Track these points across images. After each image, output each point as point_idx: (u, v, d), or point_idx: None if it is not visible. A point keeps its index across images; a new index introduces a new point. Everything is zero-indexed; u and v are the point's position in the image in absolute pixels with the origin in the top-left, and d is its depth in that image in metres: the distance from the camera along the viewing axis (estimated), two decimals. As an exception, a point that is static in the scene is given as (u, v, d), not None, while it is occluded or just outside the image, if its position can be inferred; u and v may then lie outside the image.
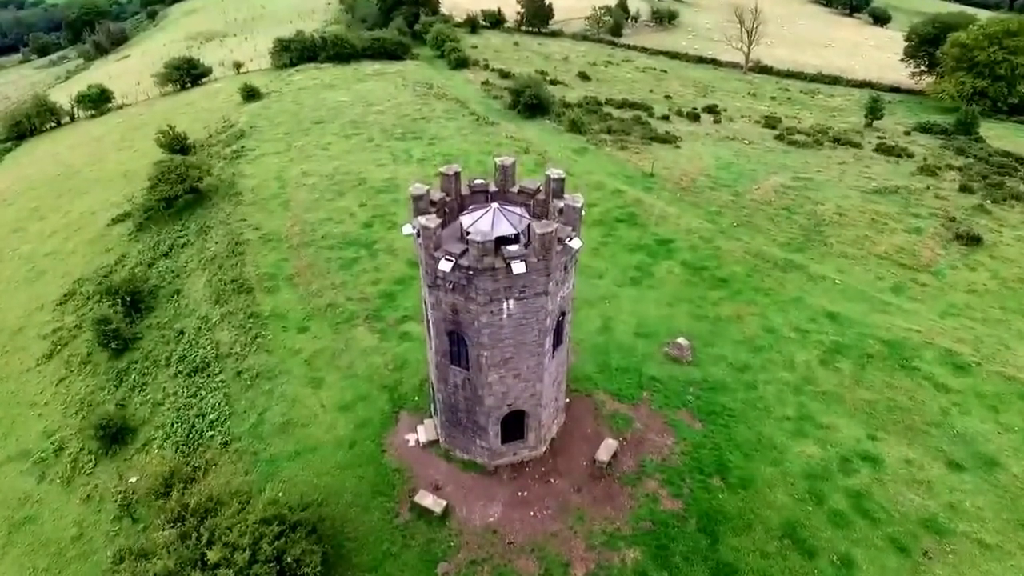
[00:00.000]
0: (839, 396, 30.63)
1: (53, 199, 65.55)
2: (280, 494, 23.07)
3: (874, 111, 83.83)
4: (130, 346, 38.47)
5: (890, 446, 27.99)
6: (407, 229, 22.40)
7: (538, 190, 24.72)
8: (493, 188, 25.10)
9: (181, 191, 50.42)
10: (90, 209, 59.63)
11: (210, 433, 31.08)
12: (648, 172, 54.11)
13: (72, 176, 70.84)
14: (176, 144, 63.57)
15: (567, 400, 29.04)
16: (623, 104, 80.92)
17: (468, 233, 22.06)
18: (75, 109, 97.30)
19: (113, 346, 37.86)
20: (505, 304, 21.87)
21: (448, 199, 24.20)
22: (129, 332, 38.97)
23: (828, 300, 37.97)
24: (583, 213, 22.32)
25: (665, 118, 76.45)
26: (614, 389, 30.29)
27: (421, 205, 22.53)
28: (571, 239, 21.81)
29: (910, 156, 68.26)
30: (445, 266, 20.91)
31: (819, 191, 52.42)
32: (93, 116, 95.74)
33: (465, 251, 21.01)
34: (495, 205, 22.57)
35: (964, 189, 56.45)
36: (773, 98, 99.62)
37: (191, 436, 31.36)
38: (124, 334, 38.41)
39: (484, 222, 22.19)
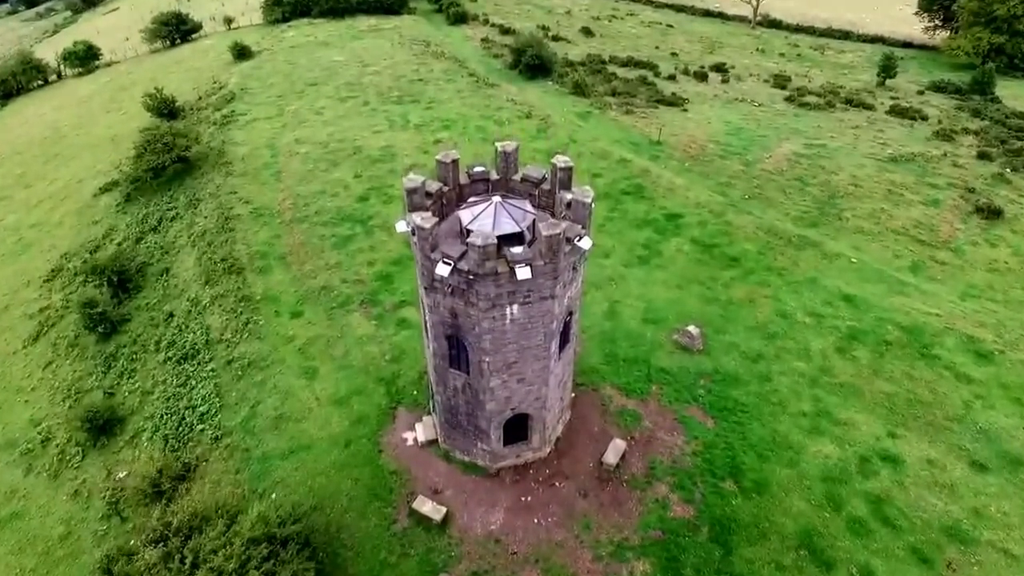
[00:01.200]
0: (857, 389, 29.26)
1: (40, 165, 63.40)
2: (270, 510, 21.77)
3: (887, 69, 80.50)
4: (118, 329, 37.02)
5: (911, 444, 26.74)
6: (401, 226, 20.61)
7: (543, 179, 22.83)
8: (494, 176, 23.21)
9: (168, 161, 48.21)
10: (77, 177, 57.53)
11: (200, 427, 29.87)
12: (655, 139, 51.76)
13: (59, 140, 68.47)
14: (164, 108, 61.17)
15: (572, 395, 27.70)
16: (628, 63, 77.66)
17: (468, 232, 20.34)
18: (62, 67, 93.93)
19: (100, 330, 36.41)
20: (508, 309, 20.26)
21: (446, 189, 22.33)
22: (117, 314, 37.48)
23: (844, 281, 36.29)
24: (593, 207, 20.50)
25: (672, 78, 73.39)
26: (622, 383, 28.91)
27: (416, 199, 20.71)
28: (581, 238, 20.05)
29: (924, 119, 65.59)
30: (443, 270, 19.23)
31: (832, 159, 50.19)
32: (80, 74, 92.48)
33: (464, 253, 19.28)
34: (497, 199, 20.72)
35: (982, 156, 54.17)
36: (782, 55, 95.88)
37: (181, 429, 30.17)
38: (112, 316, 36.94)
39: (485, 219, 20.41)
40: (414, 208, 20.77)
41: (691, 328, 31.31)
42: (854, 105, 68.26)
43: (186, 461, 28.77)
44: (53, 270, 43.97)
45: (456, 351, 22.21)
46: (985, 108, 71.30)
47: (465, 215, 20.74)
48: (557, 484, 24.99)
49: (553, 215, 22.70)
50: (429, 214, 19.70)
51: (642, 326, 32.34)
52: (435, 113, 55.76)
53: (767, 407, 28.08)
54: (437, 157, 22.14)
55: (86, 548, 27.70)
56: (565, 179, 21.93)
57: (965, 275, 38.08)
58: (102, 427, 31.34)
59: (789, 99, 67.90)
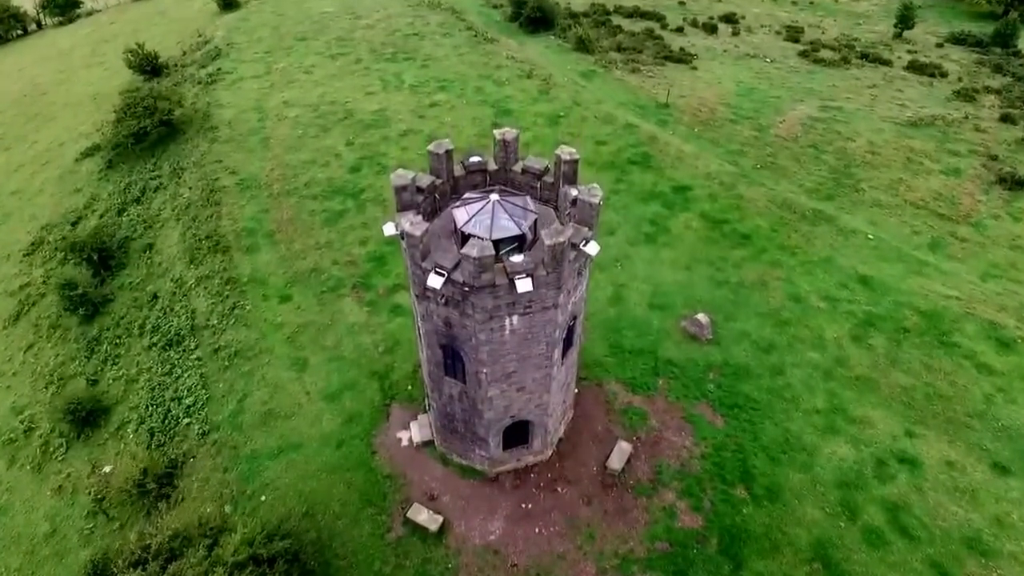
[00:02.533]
0: (873, 382, 27.89)
1: (20, 125, 60.73)
2: (254, 530, 20.60)
3: (904, 20, 76.58)
4: (101, 310, 35.48)
5: (929, 444, 25.50)
6: (389, 229, 18.77)
7: (546, 170, 20.86)
8: (492, 166, 21.21)
9: (150, 125, 45.77)
10: (58, 139, 55.04)
11: (187, 420, 28.64)
12: (663, 102, 49.11)
13: (39, 98, 65.52)
14: (146, 65, 58.29)
15: (576, 391, 26.32)
16: (633, 13, 73.87)
17: (462, 235, 18.55)
18: (41, 15, 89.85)
19: (82, 312, 34.87)
20: (507, 320, 18.63)
21: (439, 183, 20.39)
22: (99, 295, 35.86)
23: (860, 260, 34.54)
24: (601, 206, 18.62)
25: (679, 30, 69.79)
26: (627, 377, 27.51)
27: (405, 197, 18.81)
28: (587, 243, 18.26)
29: (944, 76, 62.49)
30: (435, 282, 17.51)
31: (849, 123, 47.69)
32: (61, 23, 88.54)
33: (459, 263, 17.53)
34: (495, 197, 18.82)
35: (1005, 119, 51.54)
36: (794, 3, 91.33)
37: (167, 423, 28.96)
38: (93, 297, 35.34)
39: (482, 219, 18.55)
40: (404, 207, 18.91)
41: (700, 316, 29.73)
42: (870, 60, 64.97)
43: (172, 457, 27.66)
44: (34, 243, 42.17)
45: (451, 360, 20.68)
46: (1007, 63, 68.00)
47: (460, 215, 18.88)
48: (559, 490, 23.84)
49: (556, 209, 20.88)
50: (419, 218, 17.85)
51: (648, 312, 30.77)
52: (431, 72, 52.91)
53: (779, 403, 26.75)
54: (429, 148, 20.11)
55: (72, 548, 26.85)
56: (570, 172, 19.98)
57: (987, 253, 36.28)
58: (86, 418, 30.14)
59: (803, 54, 64.59)
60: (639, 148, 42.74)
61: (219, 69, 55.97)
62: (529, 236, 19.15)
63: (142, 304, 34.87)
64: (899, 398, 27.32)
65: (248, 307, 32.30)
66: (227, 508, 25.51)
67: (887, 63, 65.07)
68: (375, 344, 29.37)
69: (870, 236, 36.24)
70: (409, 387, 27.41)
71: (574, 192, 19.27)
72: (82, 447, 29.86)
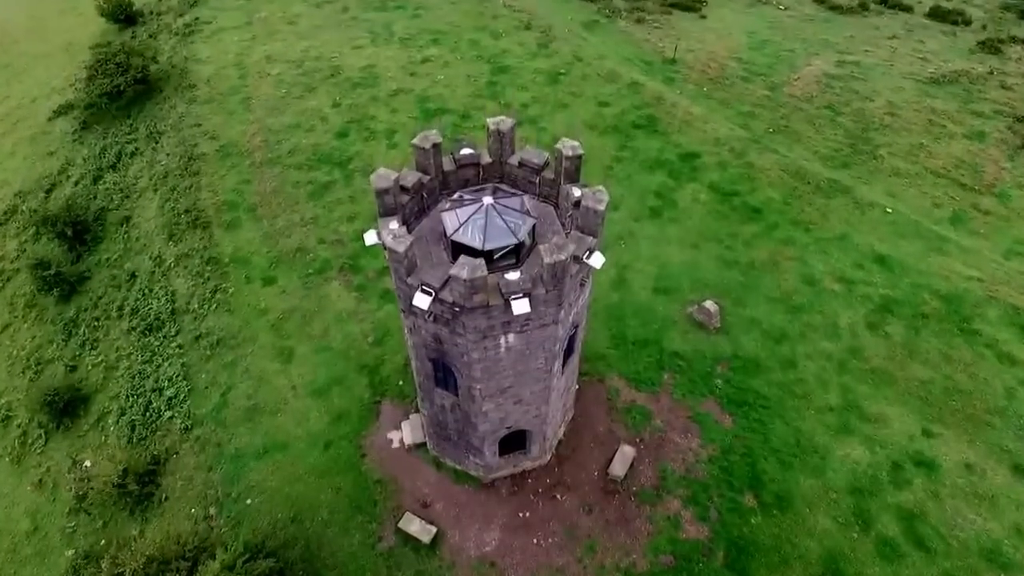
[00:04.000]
0: (889, 375, 26.48)
1: (-11, 77, 57.50)
2: (235, 552, 19.43)
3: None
4: (78, 289, 33.72)
5: (948, 444, 24.27)
6: (370, 238, 16.86)
7: (546, 164, 18.82)
8: (486, 159, 19.14)
9: (124, 83, 42.93)
10: (30, 95, 52.05)
11: (168, 413, 27.35)
12: (670, 57, 46.10)
13: (10, 47, 61.87)
14: (120, 13, 54.75)
15: (576, 387, 24.89)
16: (640, -47, 69.15)
17: (452, 244, 16.73)
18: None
19: (57, 292, 33.15)
20: (503, 339, 16.98)
21: (427, 180, 18.38)
22: (75, 272, 34.04)
23: (877, 237, 32.67)
24: (607, 212, 16.67)
25: (688, -28, 65.46)
26: (631, 372, 26.05)
27: (388, 200, 16.85)
28: (591, 254, 16.44)
29: (967, 23, 58.98)
30: (422, 302, 15.76)
31: (867, 81, 44.87)
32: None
33: (448, 281, 15.71)
34: (488, 201, 16.86)
35: (1033, 72, 48.62)
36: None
37: (148, 416, 27.66)
38: (69, 275, 33.51)
39: (473, 226, 16.66)
40: (386, 212, 16.98)
41: (708, 304, 28.07)
42: (889, 6, 61.23)
43: (155, 453, 26.50)
44: (7, 212, 40.06)
45: (442, 373, 19.12)
46: (1034, 8, 64.20)
47: (450, 220, 16.96)
48: (558, 497, 22.70)
49: (557, 207, 18.96)
50: (403, 230, 15.94)
51: (654, 298, 29.09)
52: (423, 22, 49.53)
53: (790, 400, 25.39)
54: (414, 141, 18.01)
55: (55, 547, 25.96)
56: (572, 169, 17.96)
57: (1011, 227, 34.35)
58: (64, 407, 28.86)
59: (819, 0, 60.77)
60: (644, 110, 40.16)
61: (197, 19, 52.42)
62: (528, 242, 17.33)
63: (120, 283, 33.11)
64: (916, 393, 25.96)
65: (231, 290, 30.57)
66: (212, 510, 24.51)
67: (907, 9, 61.43)
68: (364, 334, 27.80)
69: (888, 209, 34.23)
70: (400, 383, 25.99)
71: (577, 193, 17.33)
72: (62, 438, 28.67)
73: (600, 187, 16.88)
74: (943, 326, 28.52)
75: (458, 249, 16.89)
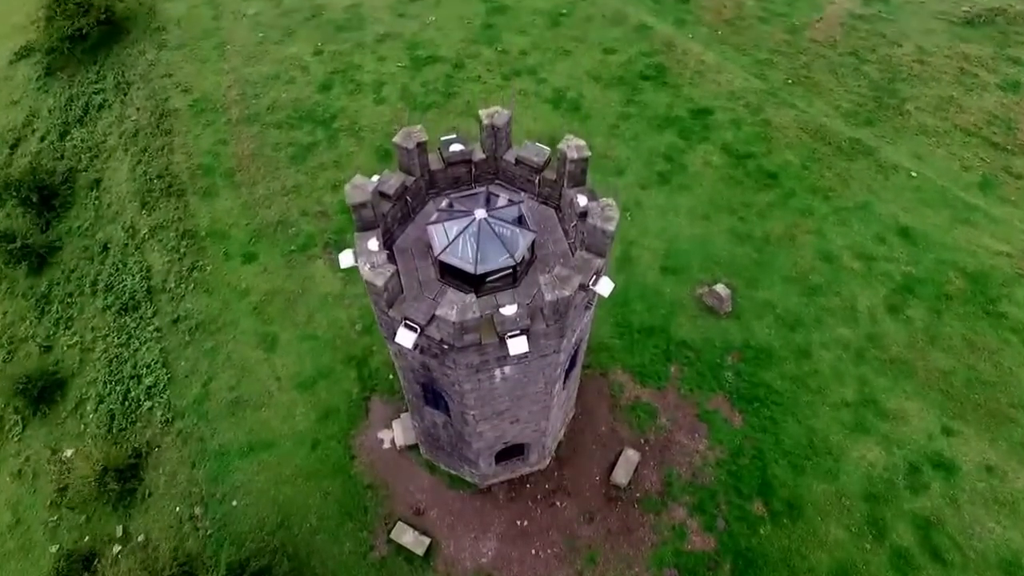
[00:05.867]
0: (909, 365, 24.97)
1: (-54, 12, 53.26)
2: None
3: None
4: (49, 260, 31.74)
5: (968, 444, 23.02)
6: (346, 260, 14.81)
7: (547, 163, 16.59)
8: (479, 155, 16.87)
9: (86, 25, 39.46)
10: (-11, 32, 48.24)
11: (148, 404, 26.01)
12: (682, -5, 42.30)
13: (-34, -25, 57.22)
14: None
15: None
16: None
17: (439, 264, 14.80)
18: None
19: (27, 264, 31.20)
20: (498, 371, 15.28)
21: (411, 183, 16.21)
22: (45, 242, 31.97)
23: (901, 206, 30.47)
24: (616, 231, 14.58)
25: None
26: (635, 364, 24.51)
27: (365, 215, 14.76)
28: (598, 280, 14.51)
29: (1005, -53, 54.22)
30: (406, 339, 13.94)
31: (896, 22, 41.26)
32: None
33: (434, 317, 13.82)
34: (481, 215, 14.76)
35: (1074, 8, 44.82)
36: None
37: (127, 405, 26.33)
38: (38, 246, 31.47)
39: (464, 244, 14.65)
40: (365, 226, 14.91)
41: (719, 288, 26.23)
42: (921, -72, 56.14)
43: (136, 446, 25.34)
44: (-30, 170, 37.46)
45: (433, 395, 17.53)
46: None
47: (437, 236, 14.90)
48: (558, 504, 21.60)
49: (559, 210, 16.89)
50: (383, 256, 13.91)
51: (661, 279, 27.23)
52: (413, -49, 45.20)
53: (804, 395, 23.97)
54: (396, 140, 15.72)
55: (38, 541, 25.11)
56: (577, 172, 15.77)
57: (1044, 193, 32.08)
58: (40, 393, 27.49)
59: (843, -79, 55.64)
60: (653, 58, 37.00)
61: (166, -53, 47.91)
62: (527, 257, 15.37)
63: (93, 255, 31.12)
64: (937, 385, 24.52)
65: (208, 268, 28.64)
66: (197, 510, 23.53)
67: (939, -68, 56.30)
68: (351, 321, 26.08)
69: (913, 173, 31.85)
70: (390, 376, 24.47)
71: (582, 202, 15.26)
72: (39, 426, 27.42)
73: (610, 201, 14.74)
74: (967, 308, 26.80)
75: (447, 270, 14.99)
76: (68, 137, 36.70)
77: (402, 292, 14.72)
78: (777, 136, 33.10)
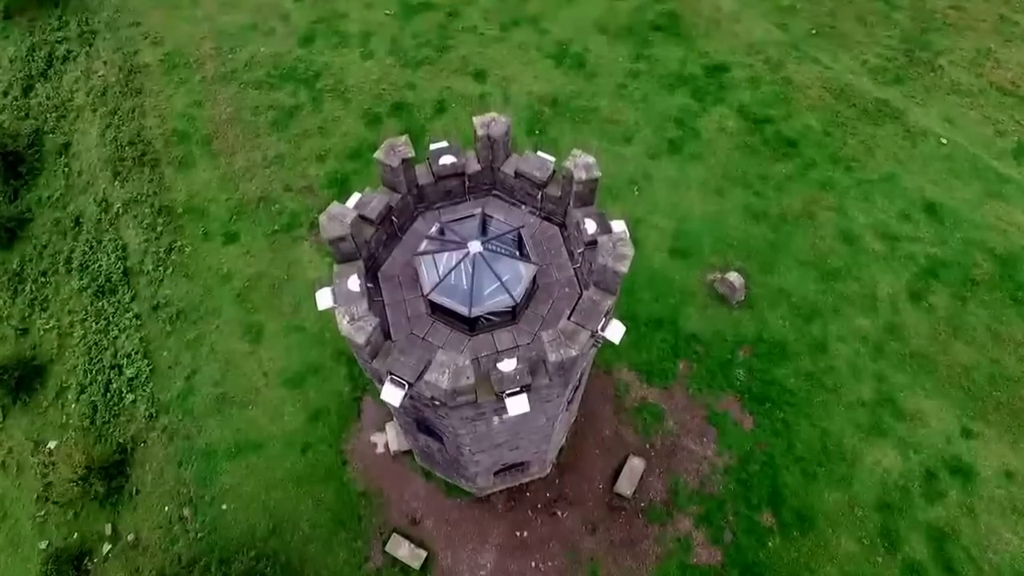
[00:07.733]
0: (930, 360, 23.68)
1: None
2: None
3: None
4: (19, 233, 29.88)
5: (987, 447, 22.02)
6: (323, 300, 13.10)
7: (551, 177, 14.67)
8: (473, 167, 14.92)
9: (45, -37, 36.12)
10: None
11: (131, 397, 24.85)
12: (698, -74, 38.44)
13: None
14: None
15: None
16: None
17: (429, 304, 13.23)
18: None
19: (-5, 238, 29.44)
20: (495, 418, 13.92)
21: (396, 201, 14.37)
22: (14, 213, 30.01)
23: (929, 177, 28.45)
24: (630, 267, 12.88)
25: None
26: (642, 361, 23.19)
27: (344, 248, 13.03)
28: (606, 325, 12.94)
29: None
30: (392, 397, 12.46)
31: (931, -42, 37.73)
32: None
33: (424, 373, 12.29)
34: (476, 249, 13.01)
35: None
36: None
37: (109, 397, 25.19)
38: (6, 217, 29.56)
39: (457, 282, 13.05)
40: (344, 259, 13.22)
41: (732, 276, 24.59)
42: None
43: (120, 441, 24.38)
44: (-68, 128, 34.97)
45: (426, 427, 16.24)
46: None
47: (426, 271, 13.25)
48: (559, 514, 20.76)
49: (563, 228, 15.13)
50: (364, 305, 12.26)
51: (670, 262, 25.57)
52: None
53: (819, 394, 22.78)
54: (378, 156, 13.76)
55: (27, 536, 24.48)
56: (586, 193, 13.90)
57: (1082, 161, 29.93)
58: (19, 382, 26.31)
59: None
60: (665, 4, 33.92)
61: None
62: (529, 287, 13.74)
63: (65, 230, 29.26)
64: (958, 382, 23.31)
65: (187, 249, 26.89)
66: (186, 511, 22.77)
67: None
68: (341, 311, 24.53)
69: (943, 140, 29.60)
70: (383, 374, 23.16)
71: (591, 228, 13.47)
72: (21, 415, 26.34)
73: (623, 233, 12.95)
74: (994, 295, 25.28)
75: (437, 309, 13.41)
76: (32, 93, 34.04)
77: (388, 339, 13.16)
78: (798, 97, 30.62)
